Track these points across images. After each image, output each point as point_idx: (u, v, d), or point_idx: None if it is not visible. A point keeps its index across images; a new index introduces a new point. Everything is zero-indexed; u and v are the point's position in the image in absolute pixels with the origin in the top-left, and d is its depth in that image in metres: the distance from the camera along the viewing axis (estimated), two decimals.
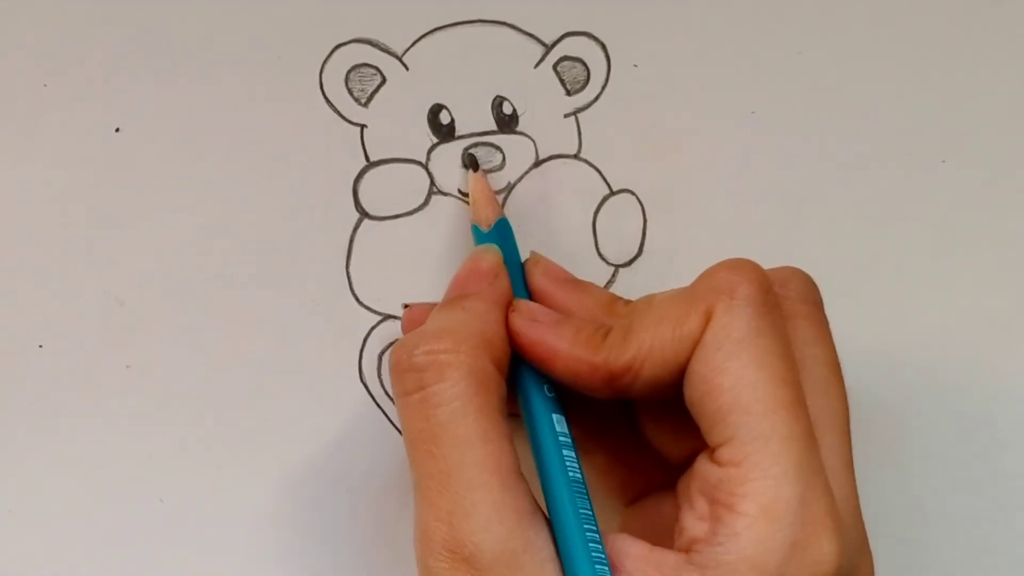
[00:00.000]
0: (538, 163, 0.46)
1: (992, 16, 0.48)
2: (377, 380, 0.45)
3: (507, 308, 0.39)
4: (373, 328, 0.45)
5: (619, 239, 0.46)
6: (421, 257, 0.45)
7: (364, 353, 0.45)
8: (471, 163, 0.44)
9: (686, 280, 0.46)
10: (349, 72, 0.45)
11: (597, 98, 0.46)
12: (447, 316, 0.39)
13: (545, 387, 0.39)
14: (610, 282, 0.46)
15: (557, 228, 0.46)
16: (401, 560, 0.45)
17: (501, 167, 0.46)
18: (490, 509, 0.35)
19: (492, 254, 0.41)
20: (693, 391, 0.36)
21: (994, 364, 0.47)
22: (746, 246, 0.46)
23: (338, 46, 0.45)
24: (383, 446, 0.45)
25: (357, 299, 0.45)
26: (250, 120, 0.45)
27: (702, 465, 0.36)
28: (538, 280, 0.42)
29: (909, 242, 0.48)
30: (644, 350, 0.37)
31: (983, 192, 0.48)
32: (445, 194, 0.45)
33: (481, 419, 0.36)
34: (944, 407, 0.47)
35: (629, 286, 0.46)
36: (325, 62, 0.45)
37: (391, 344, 0.45)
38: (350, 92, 0.45)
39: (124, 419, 0.44)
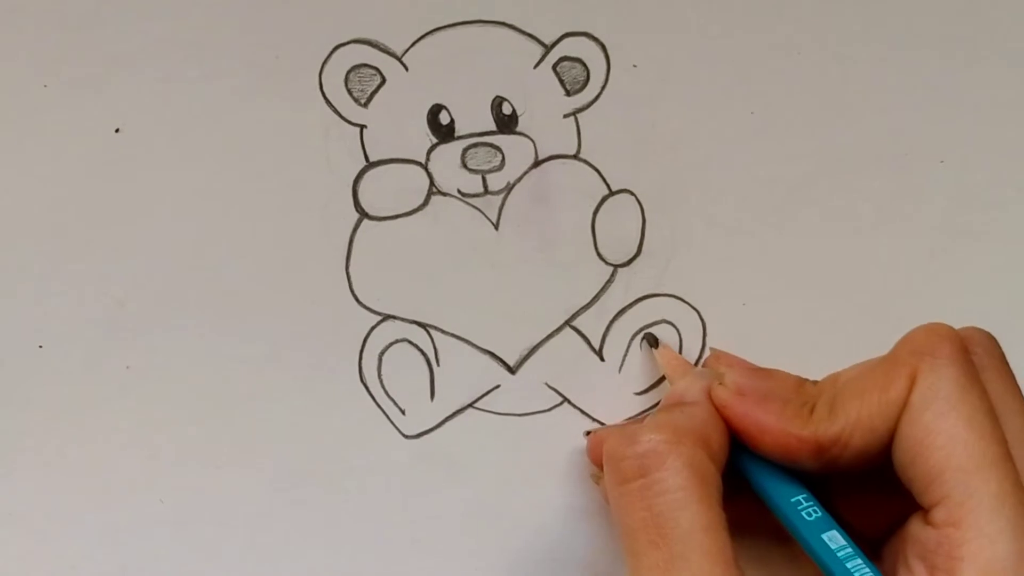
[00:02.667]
0: (537, 163, 0.46)
1: (991, 16, 0.48)
2: (376, 379, 0.45)
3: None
4: (373, 328, 0.45)
5: (618, 239, 0.46)
6: (421, 257, 0.45)
7: (364, 353, 0.45)
8: (652, 342, 0.46)
9: (685, 280, 0.46)
10: (349, 72, 0.45)
11: (597, 98, 0.46)
12: (665, 415, 0.40)
13: (803, 512, 0.39)
14: (608, 282, 0.46)
15: (556, 228, 0.46)
16: (401, 561, 0.45)
17: (500, 167, 0.46)
18: None
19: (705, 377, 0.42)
20: (903, 454, 0.37)
21: None
22: (745, 246, 0.47)
23: (338, 46, 0.45)
24: (383, 446, 0.45)
25: (357, 299, 0.45)
26: (249, 120, 0.45)
27: (916, 529, 0.37)
28: (722, 371, 0.42)
29: (907, 242, 0.48)
30: (852, 420, 0.38)
31: (981, 192, 0.48)
32: (445, 194, 0.45)
33: (704, 509, 0.36)
34: None
35: (628, 286, 0.46)
36: (325, 62, 0.45)
37: (391, 344, 0.45)
38: (350, 92, 0.45)
39: (124, 420, 0.44)
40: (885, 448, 0.38)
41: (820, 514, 0.39)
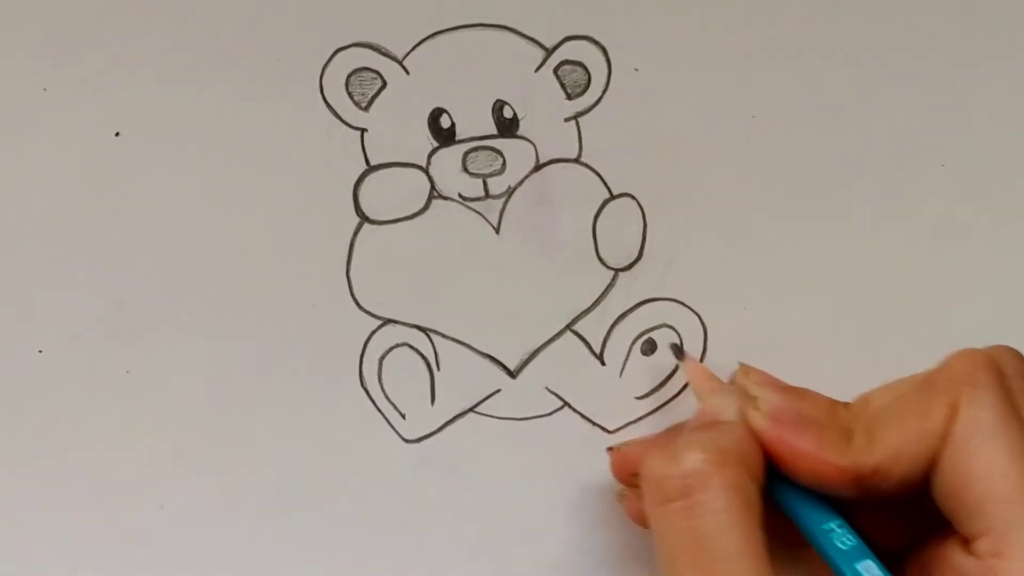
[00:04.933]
0: (538, 167, 0.46)
1: (991, 16, 0.48)
2: (377, 384, 0.45)
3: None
4: (373, 332, 0.45)
5: (619, 243, 0.46)
6: (421, 261, 0.45)
7: (364, 357, 0.45)
8: (677, 354, 0.46)
9: (685, 284, 0.46)
10: (349, 76, 0.45)
11: (598, 102, 0.46)
12: (703, 435, 0.39)
13: (837, 541, 0.38)
14: (609, 286, 0.46)
15: (557, 232, 0.46)
16: (401, 565, 0.45)
17: (501, 171, 0.46)
18: None
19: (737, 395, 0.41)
20: (945, 484, 0.37)
21: None
22: (746, 250, 0.47)
23: (338, 50, 0.45)
24: (383, 450, 0.45)
25: (357, 303, 0.45)
26: (250, 124, 0.44)
27: (954, 555, 0.37)
28: (754, 392, 0.41)
29: (908, 245, 0.48)
30: (893, 449, 0.37)
31: (982, 195, 0.48)
32: (445, 198, 0.45)
33: (747, 532, 0.36)
34: None
35: (629, 290, 0.46)
36: (325, 66, 0.45)
37: (392, 348, 0.45)
38: (350, 96, 0.45)
39: (124, 424, 0.44)
40: (923, 477, 0.37)
41: (854, 543, 0.38)
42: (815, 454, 0.38)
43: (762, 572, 0.35)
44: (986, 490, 0.36)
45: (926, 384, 0.38)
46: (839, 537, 0.38)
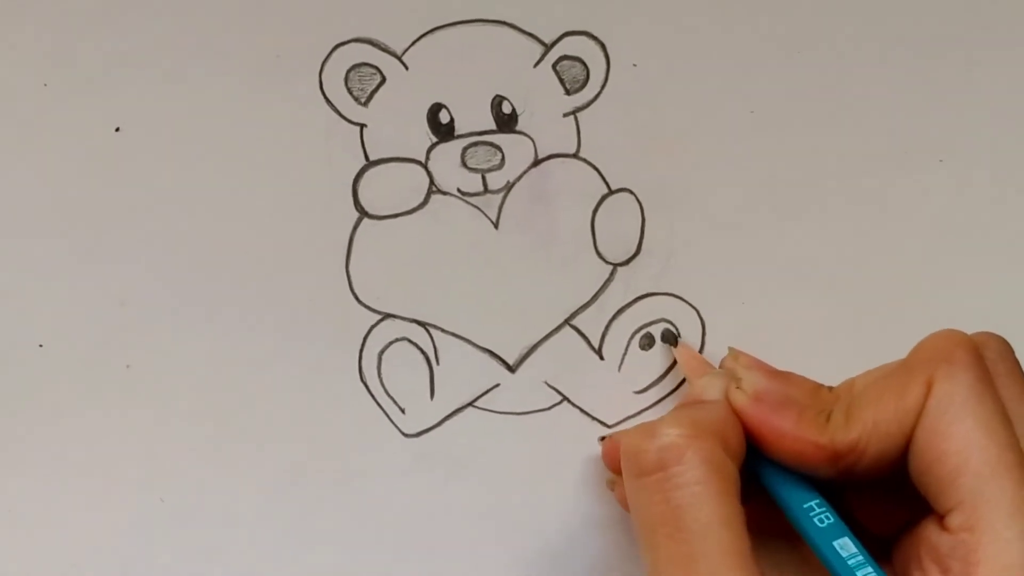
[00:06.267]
0: (537, 162, 0.46)
1: (990, 15, 0.48)
2: (376, 378, 0.45)
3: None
4: (373, 327, 0.45)
5: (617, 238, 0.46)
6: (420, 256, 0.45)
7: (364, 352, 0.45)
8: (670, 340, 0.46)
9: (684, 279, 0.46)
10: (349, 71, 0.45)
11: (596, 97, 0.46)
12: (683, 411, 0.40)
13: (816, 518, 0.39)
14: (608, 281, 0.46)
15: (556, 227, 0.46)
16: (401, 559, 0.45)
17: (500, 166, 0.46)
18: None
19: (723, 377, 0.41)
20: (919, 459, 0.37)
21: None
22: (744, 245, 0.47)
23: (338, 45, 0.45)
24: (383, 445, 0.45)
25: (357, 298, 0.45)
26: (250, 120, 0.45)
27: (930, 533, 0.37)
28: (740, 374, 0.41)
29: (907, 241, 0.48)
30: (869, 426, 0.38)
31: (980, 191, 0.48)
32: (444, 193, 0.46)
33: (723, 504, 0.36)
34: None
35: (627, 285, 0.46)
36: (325, 61, 0.45)
37: (391, 343, 0.45)
38: (350, 91, 0.45)
39: (125, 419, 0.44)
40: (901, 455, 0.38)
41: (832, 520, 0.39)
42: (794, 432, 0.38)
43: (736, 543, 0.36)
44: (958, 464, 0.36)
45: (904, 364, 0.39)
46: (818, 515, 0.39)
